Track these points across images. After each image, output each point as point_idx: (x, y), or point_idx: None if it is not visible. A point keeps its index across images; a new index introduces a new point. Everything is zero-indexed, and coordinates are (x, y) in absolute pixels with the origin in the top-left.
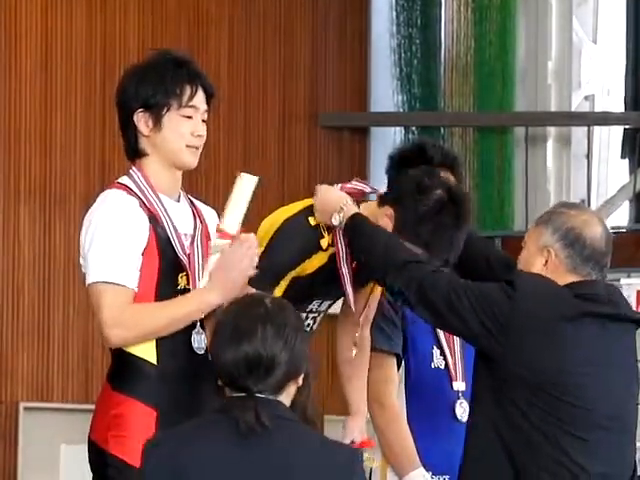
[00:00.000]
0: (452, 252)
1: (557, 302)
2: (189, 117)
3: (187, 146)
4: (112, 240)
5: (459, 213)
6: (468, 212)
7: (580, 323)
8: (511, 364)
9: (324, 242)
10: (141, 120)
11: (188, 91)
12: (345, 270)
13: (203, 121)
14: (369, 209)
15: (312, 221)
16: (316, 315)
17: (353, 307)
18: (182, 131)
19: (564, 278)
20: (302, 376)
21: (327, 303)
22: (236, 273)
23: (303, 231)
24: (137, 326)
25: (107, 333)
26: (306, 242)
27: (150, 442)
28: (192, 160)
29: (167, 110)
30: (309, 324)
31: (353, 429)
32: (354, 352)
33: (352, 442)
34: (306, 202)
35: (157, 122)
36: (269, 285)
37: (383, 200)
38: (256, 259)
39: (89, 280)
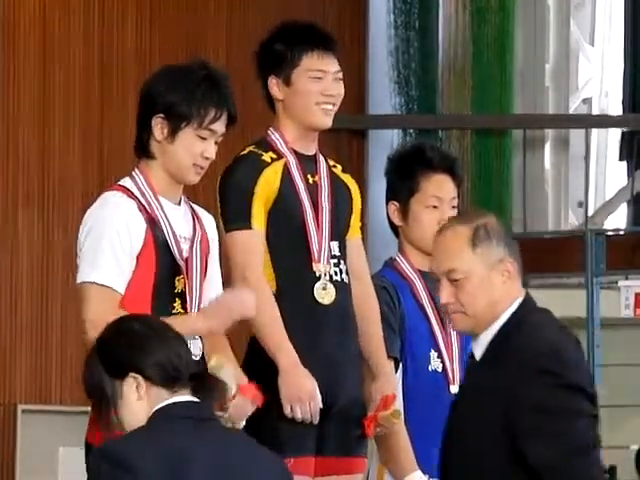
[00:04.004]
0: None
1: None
2: (204, 139)
3: (194, 164)
4: (104, 242)
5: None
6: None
7: None
8: None
9: (266, 157)
10: (158, 125)
11: (212, 114)
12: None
13: (216, 143)
14: None
15: (244, 152)
16: (336, 261)
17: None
18: (194, 151)
19: (517, 280)
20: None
21: (335, 243)
22: (236, 313)
23: (238, 161)
24: None
25: (89, 334)
26: (245, 165)
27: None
28: (194, 179)
29: (186, 125)
30: (335, 272)
31: (377, 397)
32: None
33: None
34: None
35: (172, 133)
36: (247, 220)
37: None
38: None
39: (78, 279)
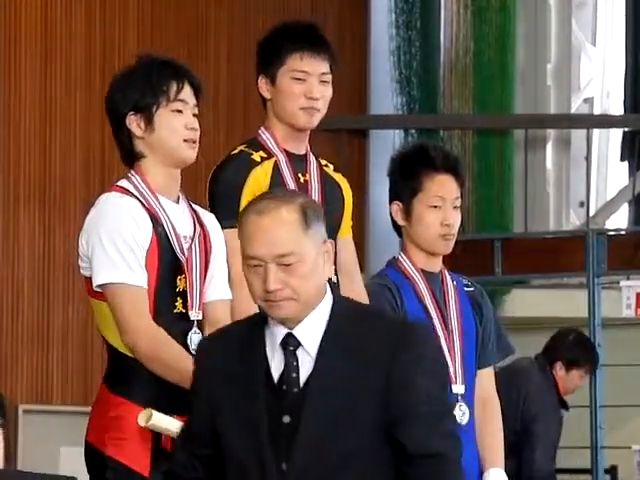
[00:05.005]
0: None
1: None
2: (179, 111)
3: (184, 141)
4: (122, 240)
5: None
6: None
7: None
8: None
9: (256, 157)
10: (133, 123)
11: (174, 86)
12: None
13: (195, 115)
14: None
15: (235, 151)
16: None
17: None
18: (175, 126)
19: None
20: None
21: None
22: None
23: (228, 160)
24: (164, 351)
25: (132, 339)
26: (235, 163)
27: None
28: (190, 154)
29: (157, 108)
30: None
31: None
32: None
33: None
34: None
35: (149, 122)
36: (234, 219)
37: None
38: None
39: (102, 280)
